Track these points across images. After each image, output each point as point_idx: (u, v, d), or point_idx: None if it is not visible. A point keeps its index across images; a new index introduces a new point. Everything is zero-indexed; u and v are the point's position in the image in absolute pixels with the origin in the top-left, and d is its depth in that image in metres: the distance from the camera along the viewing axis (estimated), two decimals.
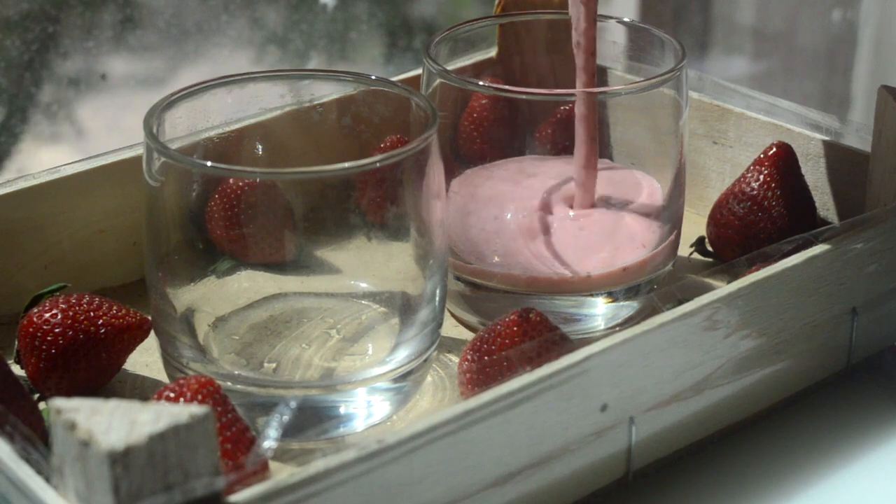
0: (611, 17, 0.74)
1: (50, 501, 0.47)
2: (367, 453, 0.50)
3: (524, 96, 0.68)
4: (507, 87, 0.67)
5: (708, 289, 0.61)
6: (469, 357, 0.61)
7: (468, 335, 0.69)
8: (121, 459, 0.44)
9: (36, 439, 0.50)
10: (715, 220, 0.74)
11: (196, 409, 0.46)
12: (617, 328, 0.62)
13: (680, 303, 0.61)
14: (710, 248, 0.75)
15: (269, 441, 0.51)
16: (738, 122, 0.78)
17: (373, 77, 0.66)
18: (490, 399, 0.53)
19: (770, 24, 1.41)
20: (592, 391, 0.57)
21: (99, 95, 1.22)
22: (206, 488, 0.46)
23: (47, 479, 0.48)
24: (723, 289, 0.61)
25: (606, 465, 0.59)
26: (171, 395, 0.55)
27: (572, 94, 0.69)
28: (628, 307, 0.69)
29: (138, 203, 0.69)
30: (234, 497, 0.47)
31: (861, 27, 1.32)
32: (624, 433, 0.59)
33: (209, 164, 0.58)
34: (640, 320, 0.59)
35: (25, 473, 0.49)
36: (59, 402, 0.46)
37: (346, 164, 0.57)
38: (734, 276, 0.63)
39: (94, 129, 1.24)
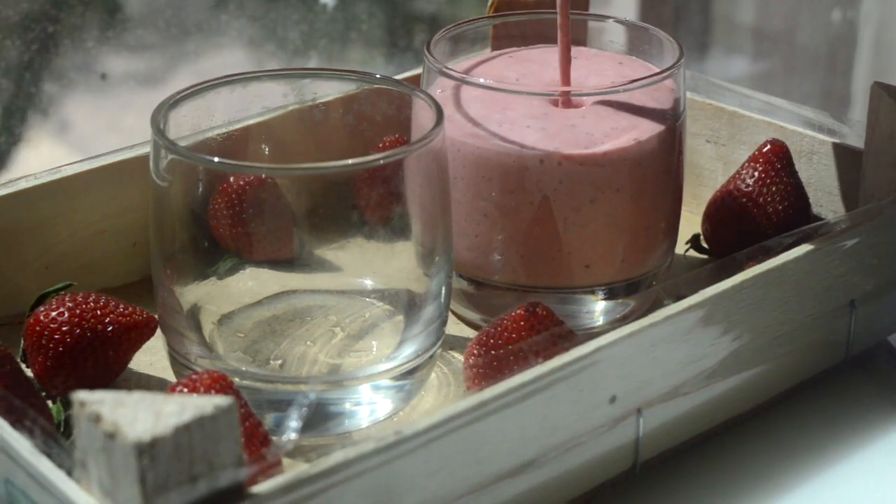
0: (609, 17, 0.74)
1: (73, 495, 0.47)
2: (385, 445, 0.50)
3: (523, 95, 0.68)
4: (504, 85, 0.68)
5: (710, 282, 0.62)
6: (475, 352, 0.61)
7: (470, 332, 0.69)
8: (147, 451, 0.44)
9: (56, 433, 0.50)
10: (710, 217, 0.75)
11: (220, 400, 0.46)
12: (618, 323, 0.63)
13: (682, 296, 0.61)
14: (705, 245, 0.76)
15: (289, 434, 0.51)
16: (732, 121, 0.79)
17: (376, 75, 0.66)
18: (504, 390, 0.54)
19: (770, 24, 1.41)
20: (601, 383, 0.57)
21: (99, 95, 1.22)
22: (230, 479, 0.46)
23: (69, 473, 0.48)
24: (725, 282, 0.62)
25: (615, 456, 0.59)
26: (185, 389, 0.55)
27: (564, 92, 0.70)
28: (627, 305, 0.70)
29: (139, 203, 0.69)
30: (256, 488, 0.48)
31: (861, 27, 1.33)
32: (632, 425, 0.59)
33: (216, 160, 0.58)
34: (642, 314, 0.60)
35: (46, 467, 0.49)
36: (83, 395, 0.46)
37: (350, 162, 0.57)
38: (735, 270, 0.63)
39: (94, 129, 1.23)
